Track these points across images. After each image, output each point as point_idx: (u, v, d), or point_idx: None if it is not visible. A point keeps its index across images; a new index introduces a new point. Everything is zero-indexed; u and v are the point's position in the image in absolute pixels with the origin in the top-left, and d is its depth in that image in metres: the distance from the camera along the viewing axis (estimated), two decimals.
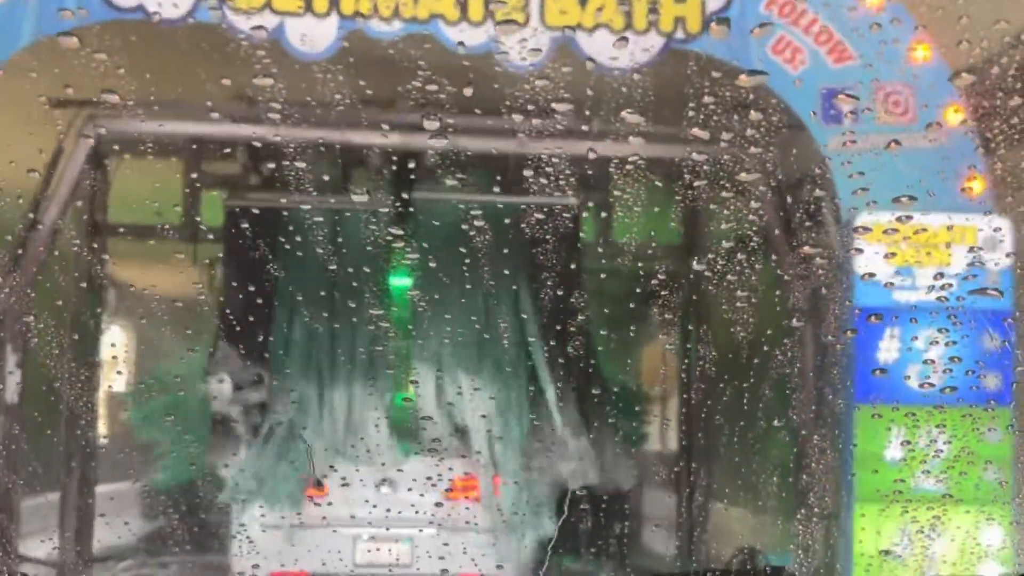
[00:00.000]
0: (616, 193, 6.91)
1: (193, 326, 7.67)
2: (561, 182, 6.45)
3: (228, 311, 6.76)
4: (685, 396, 7.54)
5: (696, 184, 6.17)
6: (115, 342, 7.63)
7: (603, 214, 7.20)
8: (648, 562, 7.71)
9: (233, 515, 6.61)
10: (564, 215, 6.84)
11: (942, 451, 5.25)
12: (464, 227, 6.72)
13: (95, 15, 5.07)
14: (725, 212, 6.25)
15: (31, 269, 5.73)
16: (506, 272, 6.84)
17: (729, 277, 6.56)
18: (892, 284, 5.28)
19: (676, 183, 6.49)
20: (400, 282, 7.21)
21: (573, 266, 7.02)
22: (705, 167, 5.99)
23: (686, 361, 7.49)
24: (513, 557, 6.61)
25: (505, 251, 6.76)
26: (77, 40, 4.87)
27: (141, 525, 7.37)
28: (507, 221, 6.81)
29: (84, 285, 6.73)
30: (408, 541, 6.54)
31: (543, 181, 6.46)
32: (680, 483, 7.74)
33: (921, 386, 5.25)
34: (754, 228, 6.02)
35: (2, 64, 5.18)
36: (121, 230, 6.79)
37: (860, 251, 5.34)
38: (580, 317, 7.29)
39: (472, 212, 6.74)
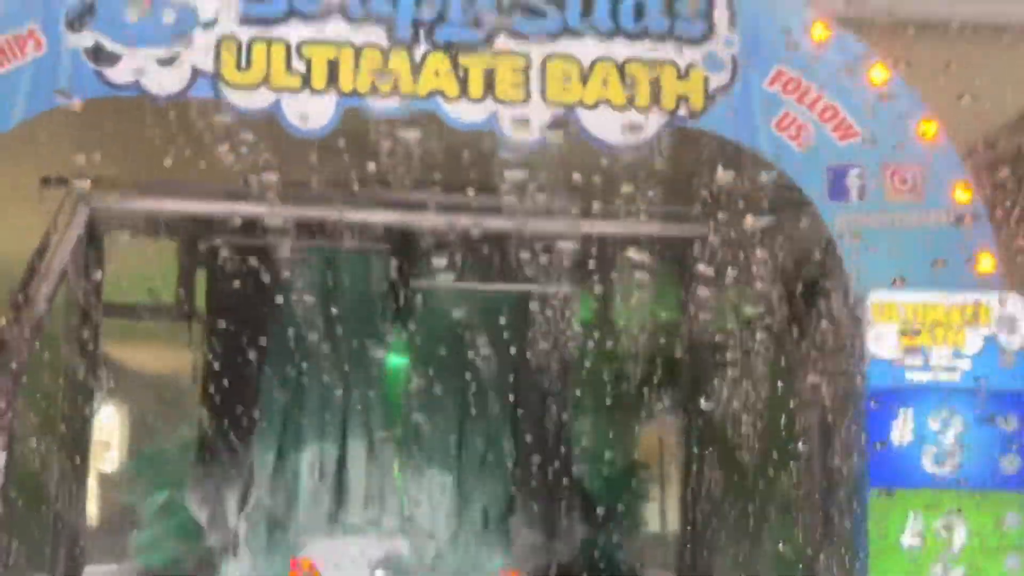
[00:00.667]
0: (614, 275, 6.80)
1: (182, 406, 7.59)
2: (558, 263, 6.38)
3: (216, 391, 6.63)
4: (687, 482, 7.34)
5: (698, 264, 6.08)
6: (106, 422, 7.47)
7: (600, 297, 7.09)
8: None
9: None
10: (560, 298, 6.76)
11: (959, 538, 5.07)
12: (458, 309, 6.66)
13: (89, 91, 4.99)
14: (729, 293, 6.14)
15: (19, 349, 5.58)
16: (498, 358, 6.76)
17: (732, 360, 6.44)
18: (904, 364, 5.13)
19: (677, 264, 6.40)
20: (393, 362, 7.12)
21: (569, 351, 6.93)
22: (708, 246, 5.90)
23: (686, 446, 7.31)
24: None
25: (498, 336, 6.68)
26: (74, 112, 4.82)
27: None
28: (502, 304, 6.72)
29: (74, 365, 6.59)
30: None
31: (541, 262, 6.38)
32: (682, 571, 7.54)
33: (936, 469, 5.09)
34: (758, 309, 5.90)
35: None
36: (113, 309, 6.67)
37: (870, 330, 5.21)
38: (574, 405, 7.18)
39: (466, 295, 6.68)
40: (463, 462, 6.86)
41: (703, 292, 6.81)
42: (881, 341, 5.18)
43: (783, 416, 5.99)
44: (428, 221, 5.60)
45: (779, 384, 5.97)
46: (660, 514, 8.08)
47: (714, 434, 6.90)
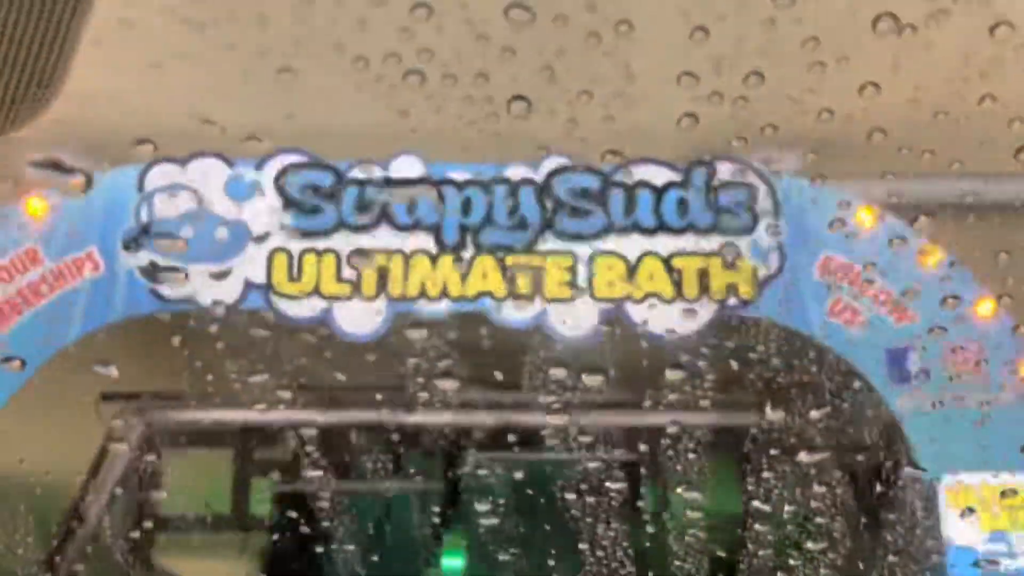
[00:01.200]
0: (673, 466, 6.64)
1: None
2: (615, 456, 6.25)
3: None
4: None
5: (759, 455, 5.93)
6: None
7: (659, 488, 6.91)
8: None
9: None
10: (618, 494, 6.60)
11: None
12: (513, 509, 6.52)
13: (143, 306, 5.09)
14: (793, 484, 5.95)
15: (74, 567, 5.52)
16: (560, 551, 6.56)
17: (801, 549, 6.18)
18: (988, 550, 4.88)
19: (737, 454, 6.23)
20: (451, 562, 6.94)
21: (628, 544, 6.71)
22: (769, 436, 5.76)
23: None
24: None
25: (557, 531, 6.50)
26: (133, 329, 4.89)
27: None
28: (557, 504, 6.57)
29: None
30: None
31: (596, 456, 6.26)
32: None
33: None
34: (826, 499, 5.68)
35: (52, 357, 5.17)
36: (169, 523, 6.61)
37: (946, 517, 4.99)
38: None
39: (522, 493, 6.54)
40: None
41: (763, 482, 6.64)
42: (958, 529, 4.95)
43: None
44: (478, 419, 5.53)
45: None
46: None
47: None
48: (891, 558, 5.37)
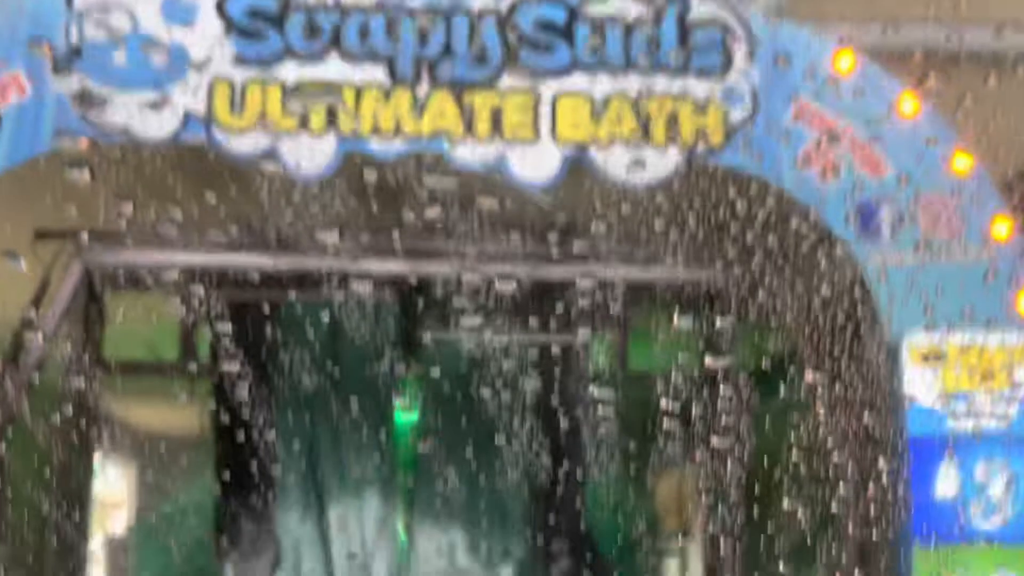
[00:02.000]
0: (634, 320, 6.49)
1: (188, 466, 7.32)
2: (574, 309, 6.09)
3: (223, 451, 6.36)
4: (710, 539, 6.97)
5: (722, 307, 5.78)
6: (109, 482, 7.17)
7: (618, 344, 6.77)
8: None
9: None
10: (576, 346, 6.47)
11: None
12: (470, 361, 6.39)
13: (74, 134, 4.75)
14: (755, 337, 5.83)
15: (14, 407, 5.32)
16: (513, 410, 6.48)
17: (761, 408, 6.12)
18: (947, 410, 4.80)
19: (701, 307, 6.09)
20: (404, 418, 6.84)
21: (585, 401, 6.63)
22: (733, 288, 5.61)
23: (712, 500, 6.95)
24: None
25: (514, 386, 6.41)
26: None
27: None
28: (516, 353, 6.44)
29: (71, 423, 6.33)
30: None
31: (556, 308, 6.09)
32: None
33: (985, 524, 4.75)
34: (788, 355, 5.57)
35: None
36: (112, 365, 6.41)
37: (907, 374, 4.89)
38: (589, 458, 6.88)
39: (479, 345, 6.40)
40: (474, 518, 6.56)
41: (727, 336, 6.52)
42: (920, 386, 4.85)
43: (819, 467, 5.66)
44: (439, 269, 5.31)
45: (814, 433, 5.64)
46: (680, 571, 7.70)
47: (743, 487, 6.57)
48: (854, 417, 5.30)
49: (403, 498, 6.74)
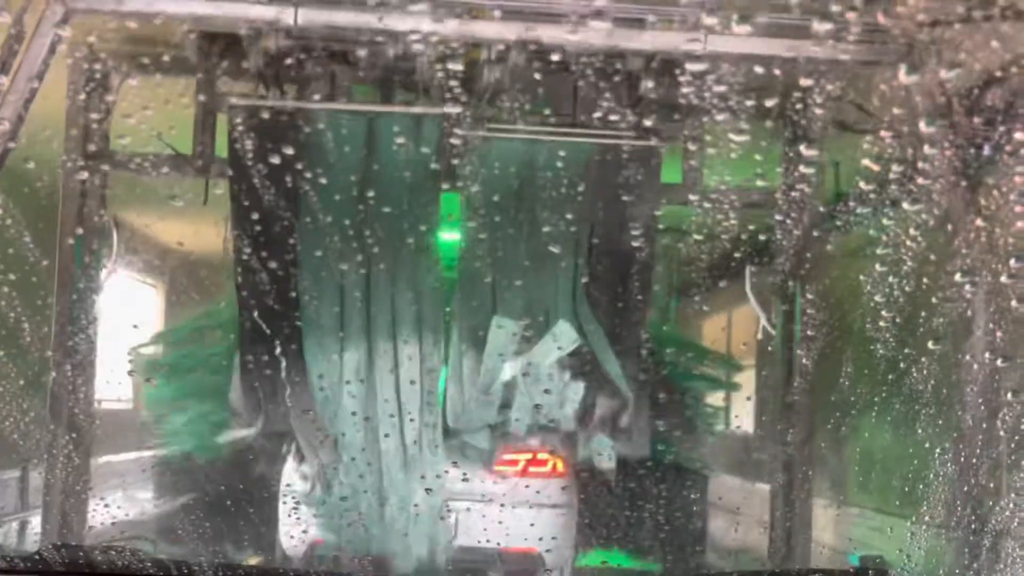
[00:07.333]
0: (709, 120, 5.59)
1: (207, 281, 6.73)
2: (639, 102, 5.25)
3: (245, 261, 5.64)
4: (787, 376, 6.26)
5: (819, 102, 4.93)
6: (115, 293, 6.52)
7: (692, 150, 5.92)
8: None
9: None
10: (641, 153, 5.64)
11: None
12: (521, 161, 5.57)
13: None
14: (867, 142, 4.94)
15: None
16: (571, 223, 5.70)
17: (861, 238, 5.32)
18: None
19: (792, 101, 5.13)
20: (447, 235, 6.08)
21: (652, 218, 5.83)
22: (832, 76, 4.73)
23: (792, 337, 6.21)
24: None
25: (569, 195, 5.62)
26: None
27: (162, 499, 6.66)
28: (571, 155, 5.64)
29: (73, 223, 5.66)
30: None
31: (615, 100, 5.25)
32: (762, 473, 6.66)
33: None
34: (908, 168, 4.59)
35: None
36: (110, 157, 5.65)
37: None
38: (657, 282, 6.14)
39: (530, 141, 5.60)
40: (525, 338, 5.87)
41: (813, 150, 5.66)
42: None
43: (909, 310, 4.90)
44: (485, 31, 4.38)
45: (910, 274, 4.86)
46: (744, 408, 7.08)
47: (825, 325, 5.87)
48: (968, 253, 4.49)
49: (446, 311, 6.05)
